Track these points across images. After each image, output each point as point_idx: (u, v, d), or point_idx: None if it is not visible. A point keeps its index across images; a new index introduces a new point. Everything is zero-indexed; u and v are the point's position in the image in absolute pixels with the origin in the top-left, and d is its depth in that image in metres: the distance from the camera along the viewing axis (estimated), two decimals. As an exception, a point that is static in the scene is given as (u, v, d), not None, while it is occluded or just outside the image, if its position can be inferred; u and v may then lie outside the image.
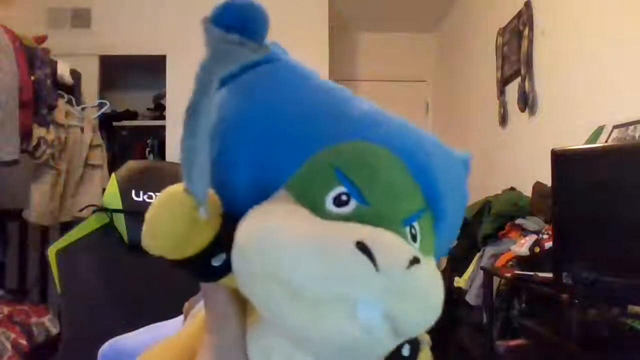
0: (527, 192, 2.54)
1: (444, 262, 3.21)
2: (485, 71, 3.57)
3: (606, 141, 1.97)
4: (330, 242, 0.41)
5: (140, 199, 1.46)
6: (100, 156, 3.26)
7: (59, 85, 2.97)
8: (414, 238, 0.48)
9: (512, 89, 3.11)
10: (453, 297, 2.74)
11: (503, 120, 3.31)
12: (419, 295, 0.42)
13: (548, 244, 1.88)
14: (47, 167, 2.79)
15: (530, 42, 2.83)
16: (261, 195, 0.46)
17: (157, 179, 1.52)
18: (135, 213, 1.43)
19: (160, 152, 4.04)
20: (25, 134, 2.56)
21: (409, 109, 4.97)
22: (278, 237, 0.42)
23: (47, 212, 2.81)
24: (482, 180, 3.36)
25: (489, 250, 2.47)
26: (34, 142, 2.63)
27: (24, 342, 2.27)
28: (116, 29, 3.87)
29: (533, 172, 2.46)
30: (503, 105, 3.30)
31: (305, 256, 0.40)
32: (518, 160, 3.09)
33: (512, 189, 2.87)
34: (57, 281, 1.46)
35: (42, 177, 2.79)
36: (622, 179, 1.30)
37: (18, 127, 2.48)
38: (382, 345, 0.42)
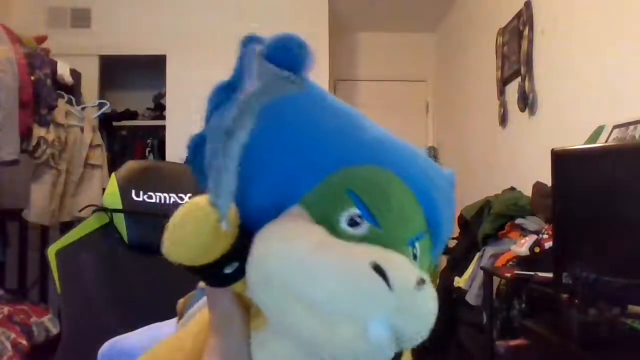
0: (527, 192, 2.54)
1: (444, 262, 3.21)
2: (485, 71, 3.57)
3: (606, 141, 1.97)
4: (348, 262, 0.44)
5: (140, 199, 1.46)
6: (100, 156, 3.26)
7: (59, 85, 2.97)
8: (414, 257, 0.52)
9: (512, 89, 3.11)
10: (453, 297, 2.74)
11: (503, 120, 3.31)
12: (423, 313, 0.45)
13: (548, 244, 1.88)
14: (47, 167, 2.79)
15: (530, 42, 2.83)
16: (277, 209, 0.49)
17: (157, 179, 1.52)
18: (135, 213, 1.43)
19: (160, 152, 4.04)
20: (25, 134, 2.56)
21: (409, 109, 4.98)
22: (298, 253, 0.44)
23: (47, 212, 2.81)
24: (482, 180, 3.36)
25: (489, 250, 2.47)
26: (34, 142, 2.64)
27: (24, 342, 2.27)
28: (116, 29, 3.87)
29: (533, 172, 2.46)
30: (503, 105, 3.30)
31: (323, 273, 0.43)
32: (518, 160, 3.09)
33: (512, 189, 2.87)
34: (57, 281, 1.46)
35: (42, 177, 2.79)
36: (622, 179, 1.30)
37: (18, 127, 2.49)
38: (385, 356, 0.46)
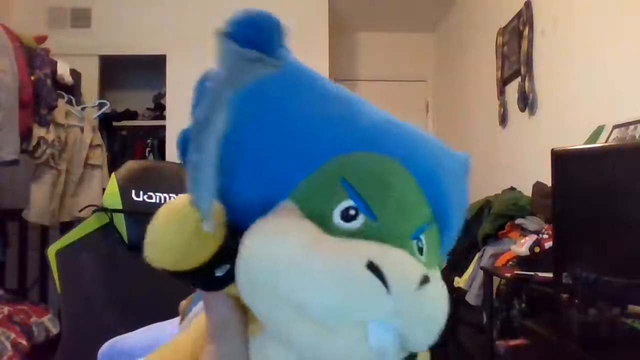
0: (527, 192, 2.54)
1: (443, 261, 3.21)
2: (485, 71, 3.57)
3: (606, 141, 1.97)
4: (340, 260, 0.40)
5: (140, 199, 1.46)
6: (100, 156, 3.26)
7: (59, 85, 2.97)
8: (420, 251, 0.47)
9: (512, 89, 3.11)
10: (453, 297, 2.74)
11: (503, 120, 3.31)
12: (428, 316, 0.41)
13: (548, 244, 1.88)
14: (47, 167, 2.79)
15: (530, 42, 2.84)
16: (266, 204, 0.45)
17: (157, 179, 1.52)
18: (135, 213, 1.43)
19: (160, 152, 4.04)
20: (25, 134, 2.56)
21: (409, 109, 4.97)
22: (285, 252, 0.41)
23: (47, 212, 2.81)
24: (482, 180, 3.36)
25: (489, 250, 2.47)
26: (34, 142, 2.64)
27: (24, 342, 2.27)
28: (116, 29, 3.87)
29: (533, 172, 2.46)
30: (503, 105, 3.30)
31: (313, 274, 0.40)
32: (518, 160, 3.09)
33: (512, 189, 2.87)
34: (57, 281, 1.46)
35: (42, 177, 2.79)
36: (622, 179, 1.30)
37: (18, 127, 2.49)
38: None
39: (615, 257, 1.30)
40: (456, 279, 2.67)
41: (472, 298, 2.48)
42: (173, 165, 1.71)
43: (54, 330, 2.51)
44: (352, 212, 0.43)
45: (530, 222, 2.36)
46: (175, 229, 0.44)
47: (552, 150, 1.42)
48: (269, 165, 0.46)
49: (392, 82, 5.00)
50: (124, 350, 0.87)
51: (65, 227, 2.86)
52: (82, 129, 3.12)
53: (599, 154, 1.48)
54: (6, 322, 2.30)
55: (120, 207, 1.45)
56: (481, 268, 2.39)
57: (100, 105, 3.50)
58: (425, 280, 0.40)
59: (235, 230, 0.44)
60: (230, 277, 0.44)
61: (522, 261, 2.02)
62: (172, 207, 0.45)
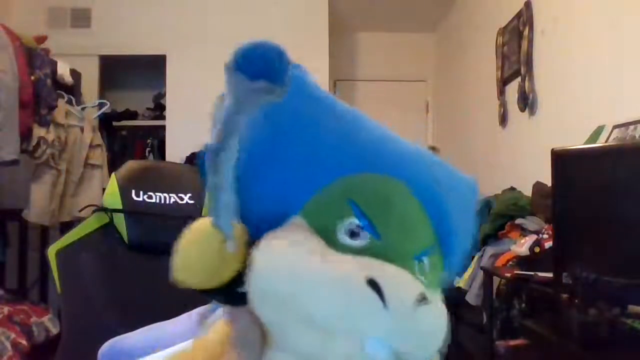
0: (527, 192, 2.54)
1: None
2: (485, 71, 3.57)
3: (606, 141, 1.97)
4: (342, 275, 0.42)
5: (140, 199, 1.46)
6: (100, 156, 3.26)
7: (59, 85, 2.97)
8: (422, 272, 0.48)
9: (512, 89, 3.11)
10: (453, 297, 2.73)
11: (503, 120, 3.30)
12: (424, 334, 0.43)
13: (548, 244, 1.87)
14: (47, 167, 2.79)
15: (530, 42, 2.83)
16: (277, 220, 0.48)
17: (157, 179, 1.52)
18: (135, 213, 1.43)
19: (160, 152, 4.04)
20: (25, 134, 2.56)
21: (409, 109, 4.97)
22: (292, 266, 0.43)
23: (47, 212, 2.81)
24: (482, 180, 3.35)
25: (489, 250, 2.47)
26: (34, 142, 2.64)
27: (24, 342, 2.27)
28: (116, 29, 3.87)
29: (533, 172, 2.46)
30: (503, 105, 3.30)
31: (318, 288, 0.42)
32: (518, 160, 3.09)
33: (512, 189, 2.87)
34: (57, 281, 1.46)
35: (42, 177, 2.79)
36: (622, 179, 1.30)
37: (18, 127, 2.48)
38: None
39: (615, 257, 1.30)
40: (456, 279, 2.67)
41: (472, 298, 2.48)
42: (173, 165, 1.72)
43: (54, 330, 2.51)
44: (357, 230, 0.46)
45: (530, 222, 2.36)
46: (198, 251, 0.46)
47: (552, 150, 1.42)
48: (279, 185, 0.49)
49: (392, 82, 5.00)
50: (124, 350, 0.87)
51: (65, 227, 2.86)
52: (82, 129, 3.12)
53: (599, 154, 1.48)
54: (6, 322, 2.30)
55: (120, 207, 1.45)
56: (481, 268, 2.39)
57: (100, 105, 3.50)
58: (422, 299, 0.42)
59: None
60: None
61: (522, 261, 2.02)
62: (196, 229, 0.47)
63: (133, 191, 1.47)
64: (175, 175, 1.56)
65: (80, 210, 2.24)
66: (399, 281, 0.43)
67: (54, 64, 2.92)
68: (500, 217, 2.56)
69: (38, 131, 2.66)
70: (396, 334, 0.42)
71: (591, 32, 2.30)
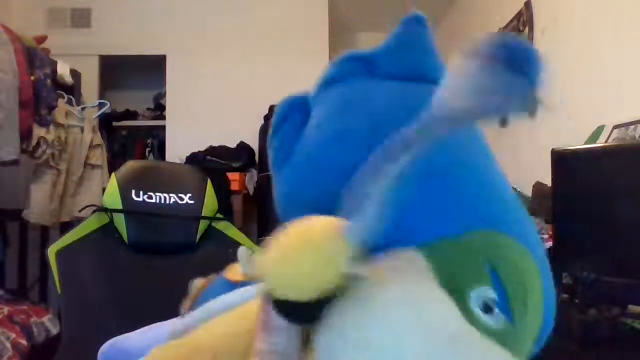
0: (527, 192, 2.53)
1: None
2: (485, 71, 3.57)
3: (606, 141, 1.97)
4: None
5: (140, 199, 1.46)
6: (100, 156, 3.25)
7: (59, 85, 2.97)
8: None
9: (512, 89, 3.10)
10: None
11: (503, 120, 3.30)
12: None
13: (548, 244, 1.87)
14: (47, 167, 2.78)
15: (530, 42, 2.83)
16: (387, 242, 0.42)
17: (157, 179, 1.53)
18: (135, 213, 1.44)
19: (160, 152, 4.04)
20: (25, 134, 2.56)
21: (409, 109, 4.97)
22: (424, 333, 0.37)
23: (47, 212, 2.81)
24: (482, 180, 3.35)
25: (489, 250, 2.47)
26: (34, 142, 2.63)
27: (24, 342, 2.27)
28: (116, 29, 3.87)
29: (533, 172, 2.46)
30: (503, 105, 3.30)
31: None
32: (518, 160, 3.09)
33: (512, 189, 2.86)
34: (57, 281, 1.46)
35: (42, 177, 2.79)
36: (622, 179, 1.30)
37: (18, 127, 2.48)
38: None
39: (615, 257, 1.30)
40: None
41: (472, 298, 2.48)
42: (173, 165, 1.72)
43: (54, 330, 2.50)
44: (491, 304, 0.40)
45: (530, 222, 2.35)
46: (313, 262, 0.39)
47: (552, 150, 1.42)
48: (418, 208, 0.43)
49: (392, 82, 4.99)
50: (124, 350, 0.86)
51: (65, 227, 2.86)
52: (82, 129, 3.11)
53: (599, 154, 1.48)
54: (6, 322, 2.30)
55: (120, 207, 1.45)
56: (481, 268, 2.39)
57: (100, 105, 3.50)
58: None
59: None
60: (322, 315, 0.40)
61: (522, 261, 2.02)
62: (308, 239, 0.40)
63: (133, 191, 1.47)
64: (175, 175, 1.56)
65: (80, 210, 2.24)
66: None
67: (54, 64, 2.92)
68: (500, 217, 2.56)
69: (38, 131, 2.65)
70: None
71: (591, 32, 2.30)
